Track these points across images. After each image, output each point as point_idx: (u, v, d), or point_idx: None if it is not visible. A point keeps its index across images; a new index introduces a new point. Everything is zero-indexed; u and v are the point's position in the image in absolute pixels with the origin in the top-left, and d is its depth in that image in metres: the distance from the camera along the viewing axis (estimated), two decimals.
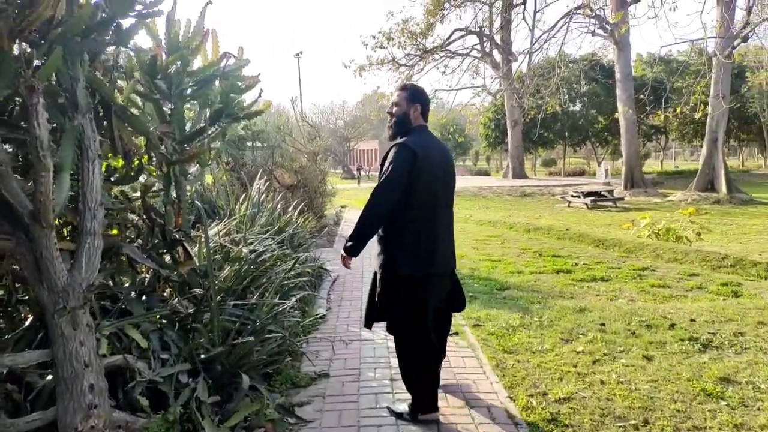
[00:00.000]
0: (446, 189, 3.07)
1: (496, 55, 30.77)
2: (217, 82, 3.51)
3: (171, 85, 3.29)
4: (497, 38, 30.35)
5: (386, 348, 4.08)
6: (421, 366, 3.04)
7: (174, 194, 3.40)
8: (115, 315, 2.84)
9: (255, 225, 5.44)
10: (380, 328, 4.34)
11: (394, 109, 3.10)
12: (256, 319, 3.15)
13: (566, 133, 35.92)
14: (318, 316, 4.70)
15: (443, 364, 3.35)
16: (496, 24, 30.40)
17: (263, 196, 6.07)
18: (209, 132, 3.52)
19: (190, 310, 3.10)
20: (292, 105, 8.89)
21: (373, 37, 29.66)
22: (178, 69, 3.22)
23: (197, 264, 3.18)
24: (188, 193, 5.57)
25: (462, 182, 30.33)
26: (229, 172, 8.84)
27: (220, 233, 4.21)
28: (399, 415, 3.07)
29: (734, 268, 7.79)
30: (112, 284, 3.10)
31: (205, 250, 3.71)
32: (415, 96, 3.08)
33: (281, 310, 3.28)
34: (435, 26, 29.99)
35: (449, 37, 30.37)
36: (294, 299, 3.81)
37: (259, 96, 3.68)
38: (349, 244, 3.07)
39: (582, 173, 39.15)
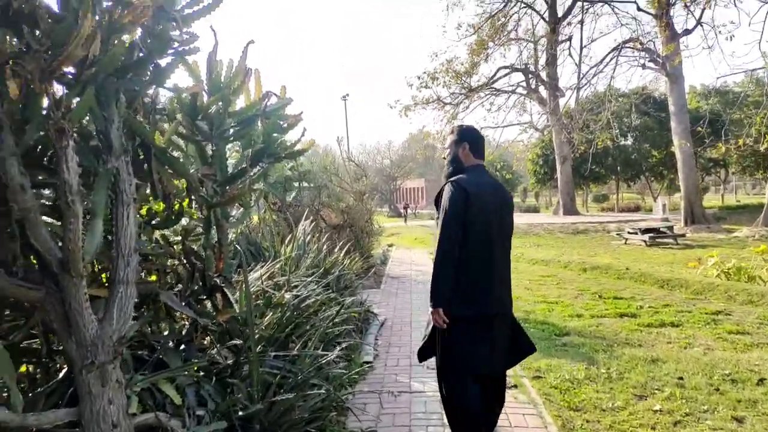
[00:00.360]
0: (501, 227, 2.99)
1: (543, 92, 30.44)
2: (259, 122, 3.41)
3: (212, 125, 3.20)
4: (543, 74, 30.07)
5: (437, 402, 3.75)
6: (465, 410, 2.92)
7: (215, 238, 3.27)
8: (151, 367, 2.67)
9: (300, 267, 5.27)
10: (430, 376, 4.03)
11: (446, 153, 3.21)
12: (298, 372, 2.92)
13: (618, 168, 34.84)
14: (365, 364, 4.43)
15: (504, 425, 3.05)
16: (542, 60, 30.19)
17: (308, 237, 5.92)
18: (251, 173, 3.40)
19: (229, 362, 2.90)
20: (338, 145, 8.86)
21: (418, 78, 29.97)
22: (219, 109, 3.13)
23: (237, 311, 3.00)
24: (231, 236, 5.49)
25: None
26: (276, 213, 8.81)
27: (263, 277, 4.05)
28: None
29: None
30: (150, 332, 2.96)
31: (246, 297, 3.55)
32: (461, 136, 3.14)
33: (325, 361, 3.04)
34: (479, 65, 30.06)
35: (494, 75, 30.33)
36: (339, 349, 3.57)
37: (302, 135, 3.55)
38: (432, 299, 2.89)
39: (637, 209, 37.72)
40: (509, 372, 4.29)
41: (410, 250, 15.77)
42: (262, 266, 4.36)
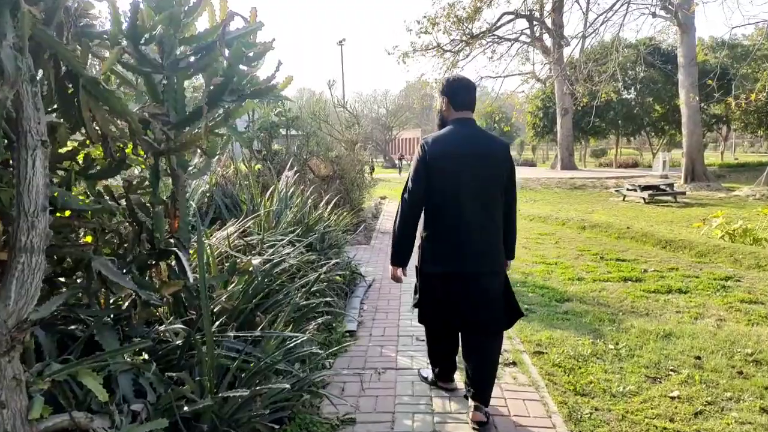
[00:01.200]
0: (478, 182, 2.86)
1: (547, 40, 29.26)
2: (227, 51, 2.81)
3: (163, 53, 2.61)
4: (548, 22, 28.80)
5: (426, 383, 3.33)
6: (441, 352, 3.22)
7: (169, 192, 2.74)
8: (79, 350, 2.19)
9: (280, 224, 4.76)
10: (419, 350, 3.61)
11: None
12: (263, 355, 2.45)
13: (620, 122, 34.02)
14: (347, 334, 3.99)
15: (503, 411, 2.70)
16: (548, 6, 28.85)
17: (291, 189, 5.38)
18: (217, 114, 2.84)
19: (178, 342, 2.43)
20: (329, 89, 8.21)
21: (418, 22, 28.66)
22: (169, 32, 2.53)
23: (191, 281, 2.50)
24: (203, 188, 4.96)
25: None
26: (260, 161, 8.24)
27: (231, 237, 3.54)
28: (425, 379, 3.34)
29: None
30: (86, 306, 2.46)
31: (210, 260, 3.05)
32: (442, 89, 3.08)
33: (295, 343, 2.57)
34: (482, 10, 28.69)
35: (497, 21, 29.01)
36: (314, 324, 3.10)
37: (277, 70, 2.96)
38: (390, 258, 3.11)
39: (635, 165, 37.17)
40: (507, 347, 3.87)
41: None
42: (234, 223, 3.85)
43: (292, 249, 3.63)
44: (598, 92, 24.38)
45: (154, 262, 2.66)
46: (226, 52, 2.55)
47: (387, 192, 17.94)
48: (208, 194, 4.91)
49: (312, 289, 3.30)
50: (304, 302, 2.99)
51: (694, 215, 14.06)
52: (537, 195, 19.86)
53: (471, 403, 2.88)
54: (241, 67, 2.82)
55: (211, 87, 2.69)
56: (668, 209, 15.61)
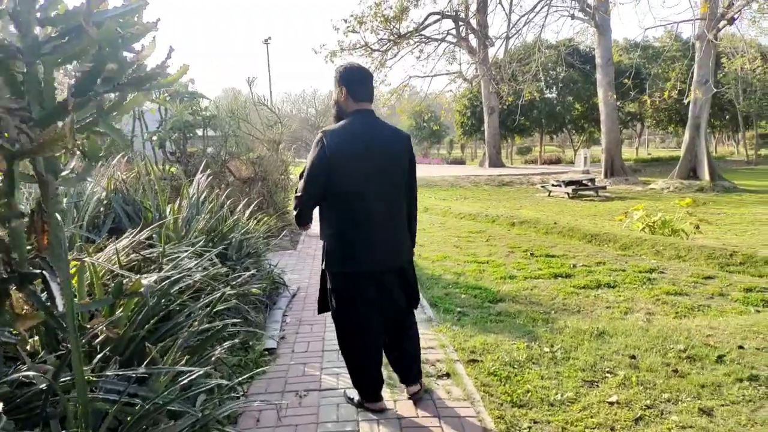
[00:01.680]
0: (380, 178, 2.77)
1: (473, 40, 29.76)
2: (94, 31, 2.36)
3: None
4: (473, 22, 29.29)
5: (352, 405, 3.01)
6: (359, 362, 2.97)
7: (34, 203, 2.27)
8: None
9: (190, 232, 4.30)
10: (345, 367, 3.28)
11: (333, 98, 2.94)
12: (151, 394, 2.05)
13: (543, 121, 35.18)
14: (266, 353, 3.60)
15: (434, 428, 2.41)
16: (473, 7, 29.33)
17: (204, 194, 4.91)
18: (79, 107, 2.40)
19: (43, 385, 1.98)
20: (249, 86, 7.73)
21: (345, 21, 28.33)
22: (23, 7, 2.07)
23: (62, 309, 2.05)
24: (99, 195, 4.40)
25: (438, 171, 29.42)
26: (173, 164, 7.64)
27: (126, 251, 3.07)
28: (351, 400, 3.03)
29: (744, 266, 6.94)
30: None
31: (94, 281, 2.59)
32: (340, 79, 2.85)
33: (189, 379, 2.17)
34: (409, 10, 28.78)
35: (424, 21, 29.19)
36: (224, 347, 2.70)
37: (168, 57, 2.54)
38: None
39: (558, 161, 38.57)
40: (440, 356, 3.62)
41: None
42: (132, 235, 3.37)
43: (198, 261, 3.21)
44: (522, 91, 25.01)
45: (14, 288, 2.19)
46: (94, 31, 2.12)
47: None
48: (105, 201, 4.36)
49: (217, 309, 2.89)
50: (207, 325, 2.59)
51: (615, 208, 14.59)
52: (467, 192, 20.05)
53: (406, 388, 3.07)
54: (126, 54, 2.39)
55: (78, 75, 2.25)
56: (591, 203, 16.15)
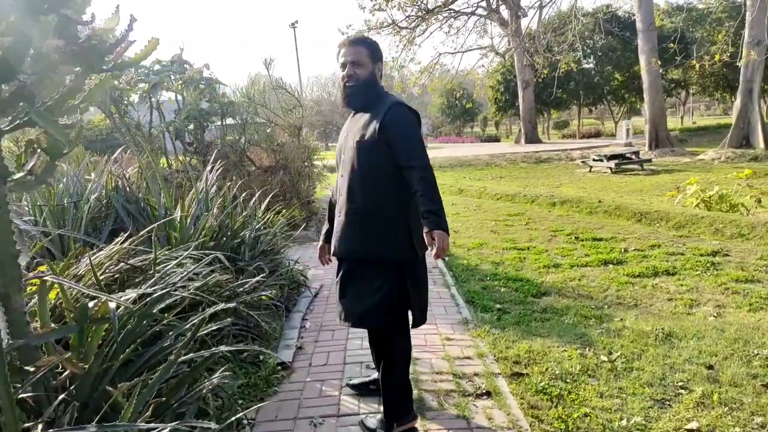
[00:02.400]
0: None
1: (504, 12, 28.56)
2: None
3: None
4: None
5: None
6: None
7: None
8: None
9: (197, 232, 3.89)
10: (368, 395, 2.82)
11: (357, 71, 2.45)
12: None
13: (581, 93, 33.73)
14: (279, 368, 3.17)
15: None
16: None
17: (213, 187, 4.49)
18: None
19: None
20: (267, 69, 7.27)
21: None
22: None
23: (5, 342, 1.64)
24: (96, 194, 4.04)
25: (472, 150, 28.55)
26: (193, 155, 7.30)
27: (107, 261, 2.67)
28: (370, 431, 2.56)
29: None
30: None
31: (64, 304, 2.18)
32: (378, 52, 2.54)
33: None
34: None
35: None
36: (221, 373, 2.25)
37: (129, 29, 2.08)
38: (439, 219, 2.28)
39: (598, 134, 37.07)
40: (479, 369, 3.13)
41: None
42: (119, 239, 2.96)
43: (191, 269, 2.78)
44: (558, 63, 23.88)
45: None
46: None
47: None
48: (105, 201, 3.99)
49: (221, 319, 2.46)
50: (191, 355, 2.15)
51: (663, 182, 13.66)
52: (503, 171, 19.29)
53: None
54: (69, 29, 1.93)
55: None
56: (636, 178, 15.22)
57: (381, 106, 2.42)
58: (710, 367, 3.04)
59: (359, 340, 3.67)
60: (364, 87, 2.45)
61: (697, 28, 29.99)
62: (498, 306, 4.46)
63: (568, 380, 2.98)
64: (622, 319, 3.97)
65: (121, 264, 2.73)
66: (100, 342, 2.10)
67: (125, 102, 6.97)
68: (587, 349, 3.37)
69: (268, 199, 5.27)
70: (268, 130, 7.32)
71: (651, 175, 15.80)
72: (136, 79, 6.91)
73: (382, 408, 2.58)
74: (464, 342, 3.58)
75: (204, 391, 2.18)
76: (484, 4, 28.86)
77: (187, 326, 2.29)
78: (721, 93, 39.25)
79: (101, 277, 2.70)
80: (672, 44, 16.07)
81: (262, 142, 7.27)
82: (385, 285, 2.42)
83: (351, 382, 3.01)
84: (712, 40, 28.98)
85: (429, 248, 2.31)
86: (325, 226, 2.86)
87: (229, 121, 7.76)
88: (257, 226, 4.47)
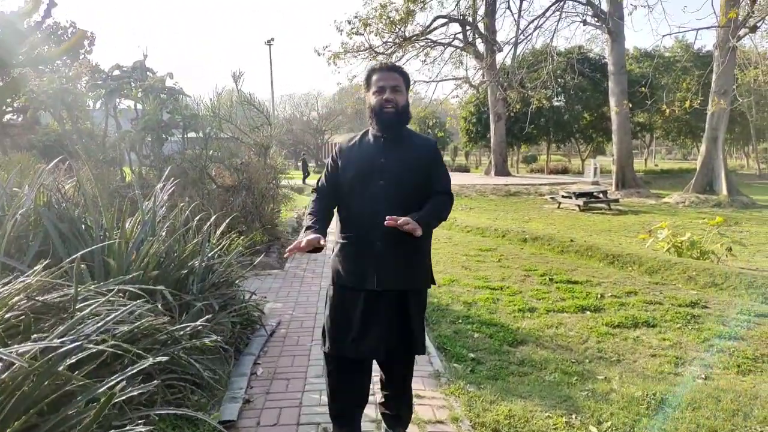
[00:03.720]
0: None
1: (480, 45, 28.91)
2: None
3: None
4: (481, 27, 28.44)
5: None
6: None
7: None
8: None
9: (139, 259, 3.41)
10: None
11: (398, 97, 2.48)
12: None
13: (551, 129, 34.26)
14: (221, 425, 2.69)
15: None
16: (481, 11, 28.52)
17: (162, 208, 4.01)
18: None
19: None
20: (235, 83, 6.85)
21: (349, 23, 27.56)
22: None
23: None
24: (26, 209, 3.51)
25: None
26: (149, 169, 6.77)
27: (19, 294, 2.18)
28: None
29: None
30: None
31: None
32: (409, 83, 2.62)
33: None
34: (415, 13, 28.01)
35: (430, 25, 28.39)
36: None
37: (47, 15, 1.66)
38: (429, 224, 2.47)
39: (565, 171, 37.64)
40: None
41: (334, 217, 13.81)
42: (35, 271, 2.47)
43: (120, 312, 2.31)
44: (531, 99, 24.14)
45: None
46: None
47: None
48: (32, 218, 3.47)
49: (159, 360, 1.99)
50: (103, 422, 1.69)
51: (630, 223, 13.69)
52: (473, 202, 19.15)
53: None
54: None
55: None
56: (603, 217, 15.24)
57: (414, 136, 2.62)
58: None
59: (317, 394, 3.22)
60: (403, 114, 2.49)
61: (663, 75, 30.98)
62: (471, 355, 4.08)
63: None
64: (607, 378, 3.64)
65: (32, 302, 2.24)
66: None
67: (79, 107, 6.44)
68: (573, 416, 3.00)
69: (226, 222, 4.80)
70: (232, 146, 6.86)
71: (618, 215, 15.88)
72: (93, 83, 6.40)
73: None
74: (436, 401, 3.17)
75: None
76: (461, 36, 29.17)
77: (102, 389, 1.82)
78: (683, 138, 40.61)
79: (7, 316, 2.21)
80: (642, 88, 16.35)
81: (224, 159, 6.80)
82: (423, 313, 2.63)
83: None
84: (677, 87, 29.97)
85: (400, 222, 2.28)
86: (310, 221, 2.48)
87: (191, 134, 7.28)
88: (210, 254, 4.00)
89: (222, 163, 6.81)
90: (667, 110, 14.10)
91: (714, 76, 18.45)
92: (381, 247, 2.39)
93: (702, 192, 19.48)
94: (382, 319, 2.42)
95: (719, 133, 19.39)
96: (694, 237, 8.96)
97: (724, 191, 18.92)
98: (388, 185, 2.41)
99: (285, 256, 2.72)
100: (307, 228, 2.42)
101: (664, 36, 47.22)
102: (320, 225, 2.45)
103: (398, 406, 2.66)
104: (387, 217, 2.21)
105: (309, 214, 2.53)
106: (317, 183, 2.64)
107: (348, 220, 2.50)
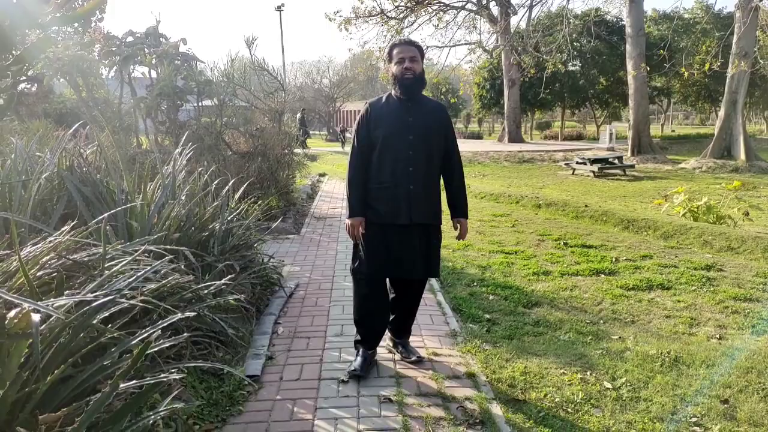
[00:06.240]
0: None
1: (494, 8, 28.26)
2: None
3: None
4: None
5: None
6: None
7: None
8: None
9: (161, 222, 3.48)
10: (346, 403, 2.47)
11: (416, 66, 3.05)
12: None
13: (566, 94, 33.67)
14: (244, 384, 2.79)
15: None
16: None
17: (182, 172, 4.07)
18: None
19: None
20: (248, 48, 6.82)
21: None
22: None
23: None
24: (49, 173, 3.58)
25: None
26: (164, 135, 6.82)
27: (48, 255, 2.25)
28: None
29: None
30: None
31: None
32: (423, 55, 3.16)
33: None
34: None
35: None
36: (175, 394, 1.87)
37: None
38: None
39: (580, 137, 37.15)
40: (470, 392, 2.80)
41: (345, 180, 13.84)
42: (64, 229, 2.54)
43: (146, 270, 2.37)
44: (546, 63, 23.68)
45: None
46: None
47: (328, 168, 16.60)
48: (56, 181, 3.54)
49: (186, 317, 2.07)
50: (129, 383, 1.77)
51: (645, 189, 13.57)
52: (486, 169, 19.05)
53: None
54: None
55: None
56: (619, 183, 15.11)
57: (430, 101, 3.25)
58: (725, 402, 2.75)
59: (336, 352, 3.31)
60: (420, 80, 3.04)
61: (682, 37, 30.18)
62: (487, 316, 4.14)
63: (569, 410, 2.66)
64: (621, 338, 3.69)
65: (63, 260, 2.31)
66: (23, 361, 1.70)
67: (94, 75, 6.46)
68: (588, 373, 3.07)
69: (243, 188, 4.85)
70: (247, 114, 6.87)
71: (633, 181, 15.73)
72: (107, 50, 6.40)
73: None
74: (453, 359, 3.25)
75: (152, 421, 1.79)
76: None
77: (135, 341, 1.89)
78: (702, 103, 39.74)
79: (39, 274, 2.29)
80: (661, 51, 15.95)
81: (240, 125, 6.81)
82: (439, 244, 3.22)
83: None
84: (696, 50, 29.20)
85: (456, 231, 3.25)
86: (358, 196, 3.02)
87: (206, 102, 7.29)
88: (229, 218, 4.07)
89: (237, 129, 6.84)
90: (686, 73, 13.80)
91: (735, 38, 17.92)
92: (412, 190, 2.96)
93: (719, 157, 19.17)
94: (412, 246, 3.00)
95: (739, 97, 18.94)
96: (711, 202, 8.89)
97: (742, 156, 18.60)
98: (416, 138, 2.99)
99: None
100: (350, 206, 3.02)
101: None
102: (360, 206, 2.99)
103: (406, 320, 3.31)
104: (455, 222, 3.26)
105: (351, 185, 3.03)
106: (354, 141, 3.10)
107: (382, 168, 2.99)
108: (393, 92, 3.09)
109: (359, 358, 3.07)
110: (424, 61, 3.41)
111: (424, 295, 4.50)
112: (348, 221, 3.01)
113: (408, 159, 2.97)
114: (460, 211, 3.22)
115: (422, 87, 3.09)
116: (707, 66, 13.27)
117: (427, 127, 3.03)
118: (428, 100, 3.21)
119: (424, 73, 3.10)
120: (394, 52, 3.06)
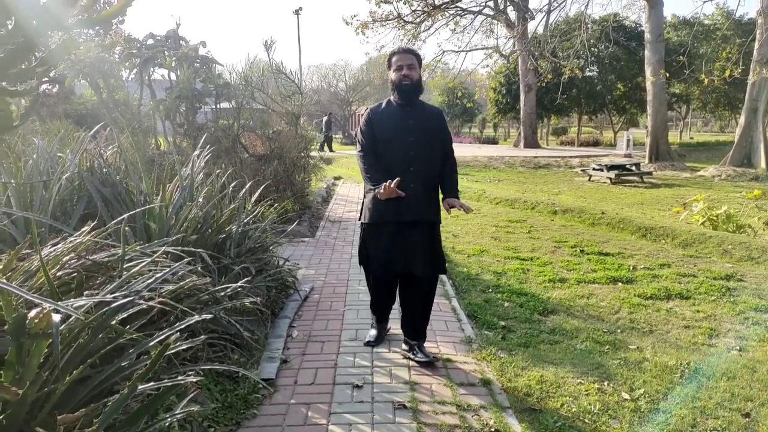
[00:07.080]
0: None
1: (511, 13, 28.19)
2: None
3: None
4: None
5: None
6: None
7: None
8: None
9: (178, 223, 3.50)
10: (360, 409, 2.46)
11: (413, 73, 3.19)
12: None
13: (582, 100, 33.42)
14: (258, 387, 2.79)
15: None
16: None
17: (200, 174, 4.10)
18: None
19: None
20: (266, 51, 6.86)
21: None
22: None
23: None
24: (69, 173, 3.63)
25: (470, 151, 28.13)
26: (182, 137, 6.88)
27: (68, 255, 2.27)
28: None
29: None
30: None
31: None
32: (421, 62, 3.33)
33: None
34: None
35: None
36: (191, 396, 1.88)
37: None
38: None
39: (596, 143, 36.82)
40: (485, 401, 2.77)
41: (361, 184, 13.87)
42: (83, 230, 2.57)
43: (165, 272, 2.39)
44: (563, 69, 23.54)
45: None
46: None
47: (343, 171, 16.63)
48: (77, 182, 3.59)
49: (203, 319, 2.08)
50: (147, 385, 1.77)
51: (663, 197, 13.40)
52: (501, 174, 18.96)
53: None
54: None
55: None
56: (636, 190, 14.94)
57: (427, 105, 3.40)
58: (746, 415, 2.70)
59: (351, 356, 3.30)
60: (417, 86, 3.22)
61: (702, 44, 29.81)
62: (502, 323, 4.11)
63: (587, 420, 2.63)
64: (639, 348, 3.64)
65: (83, 260, 2.33)
66: (42, 360, 1.71)
67: (115, 77, 6.54)
68: (606, 383, 3.02)
69: (259, 191, 4.87)
70: (264, 116, 6.91)
71: (651, 188, 15.55)
72: (127, 53, 6.48)
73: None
74: (468, 365, 3.23)
75: (168, 423, 1.80)
76: (491, 3, 28.46)
77: (152, 343, 1.90)
78: (721, 110, 39.21)
79: (59, 274, 2.32)
80: (681, 57, 15.75)
81: (257, 128, 6.85)
82: (440, 241, 3.38)
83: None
84: (715, 56, 28.83)
85: (460, 209, 3.23)
86: (378, 174, 3.12)
87: (224, 105, 7.35)
88: (246, 220, 4.08)
89: (254, 132, 6.88)
90: (706, 80, 13.60)
91: (756, 44, 17.66)
92: (413, 189, 3.08)
93: (739, 165, 18.88)
94: (416, 243, 3.15)
95: (759, 104, 18.66)
96: (731, 210, 8.75)
97: (763, 164, 18.31)
98: (417, 140, 3.16)
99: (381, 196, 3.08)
100: (375, 181, 3.10)
101: (704, 2, 45.10)
102: (385, 176, 3.05)
103: (416, 319, 3.32)
104: (447, 203, 3.23)
105: (370, 169, 3.15)
106: (360, 145, 3.27)
107: (384, 169, 3.12)
108: (392, 98, 3.27)
109: (373, 330, 3.51)
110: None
111: (438, 301, 4.53)
112: (381, 189, 3.00)
113: (409, 159, 3.13)
114: (457, 194, 3.33)
115: (419, 93, 3.26)
116: (727, 73, 13.09)
117: (427, 129, 3.20)
118: (426, 105, 3.38)
119: (422, 80, 3.28)
120: (393, 59, 3.24)
